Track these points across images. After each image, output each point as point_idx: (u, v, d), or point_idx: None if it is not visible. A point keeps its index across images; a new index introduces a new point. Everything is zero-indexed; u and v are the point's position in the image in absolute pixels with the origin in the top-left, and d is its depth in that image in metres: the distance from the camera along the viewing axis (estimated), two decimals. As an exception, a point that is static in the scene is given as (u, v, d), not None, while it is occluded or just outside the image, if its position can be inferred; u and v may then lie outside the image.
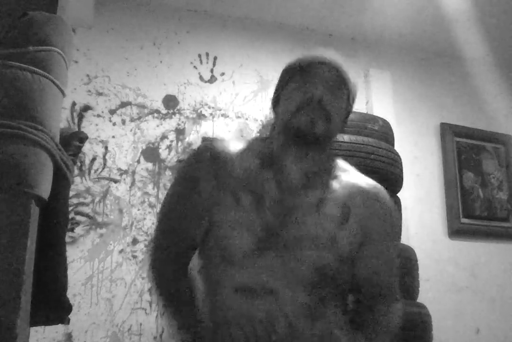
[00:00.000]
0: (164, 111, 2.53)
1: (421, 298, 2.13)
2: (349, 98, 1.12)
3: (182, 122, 2.54)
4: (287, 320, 0.96)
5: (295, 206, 1.03)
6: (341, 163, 1.15)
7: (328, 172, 1.10)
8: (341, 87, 1.09)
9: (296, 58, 1.14)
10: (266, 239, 1.00)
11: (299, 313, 0.98)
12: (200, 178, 1.07)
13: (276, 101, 1.14)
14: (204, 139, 2.51)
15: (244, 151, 1.10)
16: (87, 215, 2.27)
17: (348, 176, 1.12)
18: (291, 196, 1.04)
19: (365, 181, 1.14)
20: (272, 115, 1.17)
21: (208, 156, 1.08)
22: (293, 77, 1.10)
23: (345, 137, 2.10)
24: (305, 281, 0.99)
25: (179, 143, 2.50)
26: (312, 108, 1.04)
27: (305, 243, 1.00)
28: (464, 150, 2.99)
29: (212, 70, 2.67)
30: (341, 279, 1.04)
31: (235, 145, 1.12)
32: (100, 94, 2.45)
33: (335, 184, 1.08)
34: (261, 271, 0.98)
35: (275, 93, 1.16)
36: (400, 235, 1.18)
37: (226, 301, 1.00)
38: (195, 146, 2.51)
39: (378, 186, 1.15)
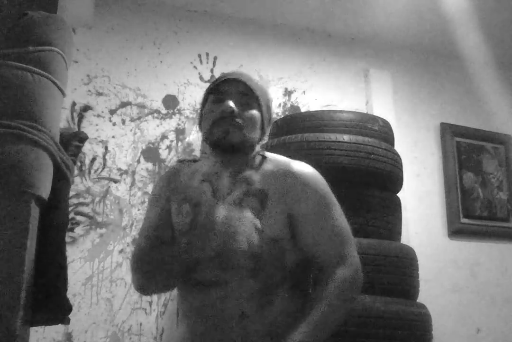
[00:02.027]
0: (164, 111, 2.53)
1: (421, 298, 2.13)
2: (261, 107, 1.24)
3: (182, 122, 2.54)
4: (239, 309, 1.08)
5: (224, 206, 1.17)
6: (269, 156, 1.26)
7: (253, 168, 1.22)
8: (251, 99, 1.22)
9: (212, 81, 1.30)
10: (202, 238, 1.15)
11: (249, 302, 1.09)
12: (160, 193, 1.28)
13: (200, 120, 1.29)
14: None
15: (193, 171, 1.29)
16: (87, 215, 2.27)
17: (270, 164, 1.23)
18: (222, 198, 1.18)
19: (280, 163, 1.23)
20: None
21: (167, 176, 1.32)
22: (209, 97, 1.24)
23: (345, 137, 2.10)
24: (245, 269, 1.11)
25: (179, 143, 2.50)
26: (225, 121, 1.18)
27: (235, 237, 1.13)
28: (464, 150, 2.99)
29: (212, 70, 2.67)
30: (278, 261, 1.13)
31: (194, 165, 1.33)
32: (100, 94, 2.45)
33: (256, 176, 1.20)
34: (208, 265, 1.12)
35: (199, 113, 1.30)
36: (334, 198, 1.20)
37: (186, 295, 1.16)
38: (195, 146, 2.51)
39: (292, 162, 1.23)
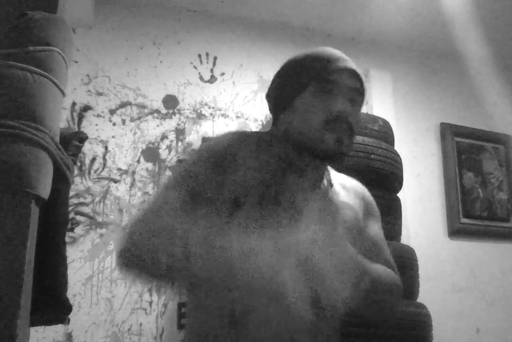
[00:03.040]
0: (164, 111, 2.53)
1: (421, 298, 2.13)
2: (362, 106, 1.06)
3: (182, 122, 2.54)
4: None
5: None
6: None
7: (326, 176, 1.09)
8: (360, 97, 1.03)
9: (312, 56, 1.02)
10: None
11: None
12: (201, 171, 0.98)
13: (285, 106, 1.02)
14: (204, 139, 2.51)
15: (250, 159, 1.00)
16: (87, 215, 2.27)
17: (337, 177, 1.13)
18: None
19: (350, 180, 1.16)
20: (270, 117, 1.09)
21: (215, 152, 1.00)
22: (312, 82, 0.98)
23: (345, 137, 2.10)
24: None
25: (179, 143, 2.50)
26: (338, 126, 0.97)
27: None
28: (464, 150, 2.99)
29: (212, 70, 2.67)
30: None
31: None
32: (100, 94, 2.45)
33: (336, 187, 1.08)
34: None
35: (282, 99, 1.02)
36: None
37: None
38: (195, 146, 2.51)
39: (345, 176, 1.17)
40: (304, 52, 1.05)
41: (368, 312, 1.02)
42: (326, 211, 0.98)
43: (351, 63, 1.03)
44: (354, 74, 1.01)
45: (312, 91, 0.98)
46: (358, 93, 1.01)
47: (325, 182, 1.05)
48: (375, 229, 1.11)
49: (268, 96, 1.09)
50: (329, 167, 1.11)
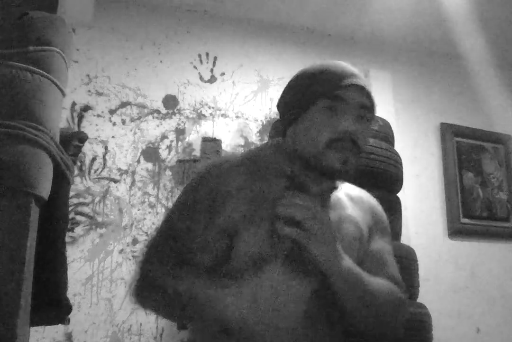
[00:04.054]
0: (164, 111, 2.53)
1: (421, 298, 2.13)
2: (372, 122, 1.05)
3: (182, 122, 2.54)
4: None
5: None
6: None
7: (333, 189, 1.10)
8: (369, 114, 1.02)
9: (320, 71, 1.01)
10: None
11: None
12: (204, 200, 1.00)
13: (293, 120, 1.02)
14: (205, 139, 2.51)
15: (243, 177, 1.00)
16: (87, 215, 2.27)
17: (346, 188, 1.14)
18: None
19: (359, 192, 1.16)
20: (275, 126, 1.12)
21: (211, 178, 1.02)
22: (320, 98, 0.98)
23: (345, 137, 2.10)
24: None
25: (179, 143, 2.50)
26: (344, 146, 0.96)
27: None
28: (464, 150, 2.99)
29: (212, 70, 2.67)
30: None
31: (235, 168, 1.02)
32: (100, 94, 2.45)
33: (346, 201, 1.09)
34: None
35: (290, 113, 1.01)
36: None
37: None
38: (195, 146, 2.51)
39: (369, 194, 1.17)
40: (316, 64, 1.05)
41: (366, 325, 0.98)
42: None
43: (361, 79, 1.02)
44: (363, 90, 1.00)
45: (319, 107, 0.98)
46: (367, 110, 1.00)
47: (330, 195, 1.04)
48: (381, 243, 1.08)
49: (278, 107, 1.08)
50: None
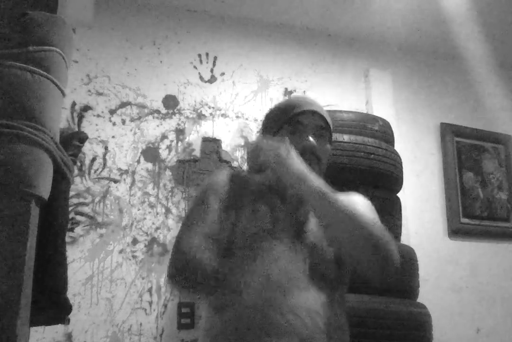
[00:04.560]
0: (164, 111, 2.53)
1: (421, 298, 2.13)
2: (331, 139, 1.31)
3: (182, 122, 2.54)
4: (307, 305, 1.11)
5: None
6: None
7: None
8: (326, 132, 1.27)
9: (284, 105, 1.30)
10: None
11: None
12: (217, 194, 1.24)
13: None
14: (205, 139, 2.51)
15: (244, 185, 1.27)
16: (87, 215, 2.27)
17: None
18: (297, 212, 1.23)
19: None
20: None
21: (222, 180, 1.27)
22: (284, 126, 1.25)
23: (345, 137, 2.10)
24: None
25: (179, 143, 2.50)
26: (305, 157, 1.19)
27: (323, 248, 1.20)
28: (464, 150, 2.99)
29: (212, 70, 2.67)
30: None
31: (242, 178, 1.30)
32: (100, 94, 2.45)
33: None
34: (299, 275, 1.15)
35: (267, 134, 1.28)
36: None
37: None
38: (195, 146, 2.51)
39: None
40: (284, 100, 1.38)
41: (346, 247, 1.11)
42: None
43: (315, 106, 1.27)
44: (317, 114, 1.26)
45: (286, 130, 1.25)
46: (323, 129, 1.26)
47: (300, 201, 1.24)
48: None
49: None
50: None
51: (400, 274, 2.07)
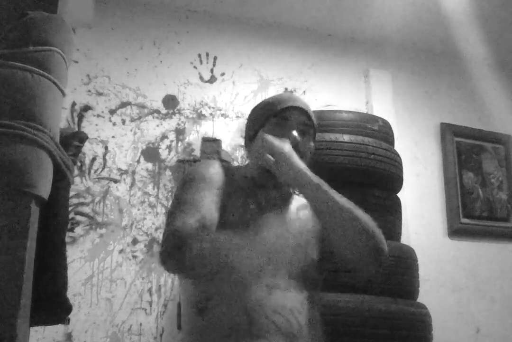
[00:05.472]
0: (164, 111, 2.53)
1: (421, 298, 2.13)
2: (314, 136, 1.31)
3: (182, 122, 2.54)
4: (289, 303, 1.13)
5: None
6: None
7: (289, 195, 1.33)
8: (310, 129, 1.28)
9: (271, 100, 1.31)
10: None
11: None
12: (214, 179, 1.24)
13: (251, 139, 1.30)
14: (205, 139, 2.51)
15: (233, 179, 1.27)
16: (87, 215, 2.27)
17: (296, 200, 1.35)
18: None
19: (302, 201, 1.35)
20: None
21: (220, 168, 1.27)
22: (270, 119, 1.26)
23: (345, 137, 2.10)
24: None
25: (179, 143, 2.50)
26: None
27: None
28: (464, 150, 2.99)
29: (212, 70, 2.67)
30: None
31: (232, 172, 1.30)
32: (100, 94, 2.45)
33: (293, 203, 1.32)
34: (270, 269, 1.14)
35: (250, 131, 1.31)
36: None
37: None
38: (195, 146, 2.51)
39: None
40: (271, 96, 1.37)
41: (339, 236, 1.13)
42: (282, 222, 1.24)
43: (300, 103, 1.28)
44: (302, 111, 1.26)
45: (270, 124, 1.26)
46: (307, 126, 1.27)
47: (284, 202, 1.29)
48: None
49: (245, 128, 1.35)
50: (294, 196, 1.35)
51: (400, 274, 2.08)
